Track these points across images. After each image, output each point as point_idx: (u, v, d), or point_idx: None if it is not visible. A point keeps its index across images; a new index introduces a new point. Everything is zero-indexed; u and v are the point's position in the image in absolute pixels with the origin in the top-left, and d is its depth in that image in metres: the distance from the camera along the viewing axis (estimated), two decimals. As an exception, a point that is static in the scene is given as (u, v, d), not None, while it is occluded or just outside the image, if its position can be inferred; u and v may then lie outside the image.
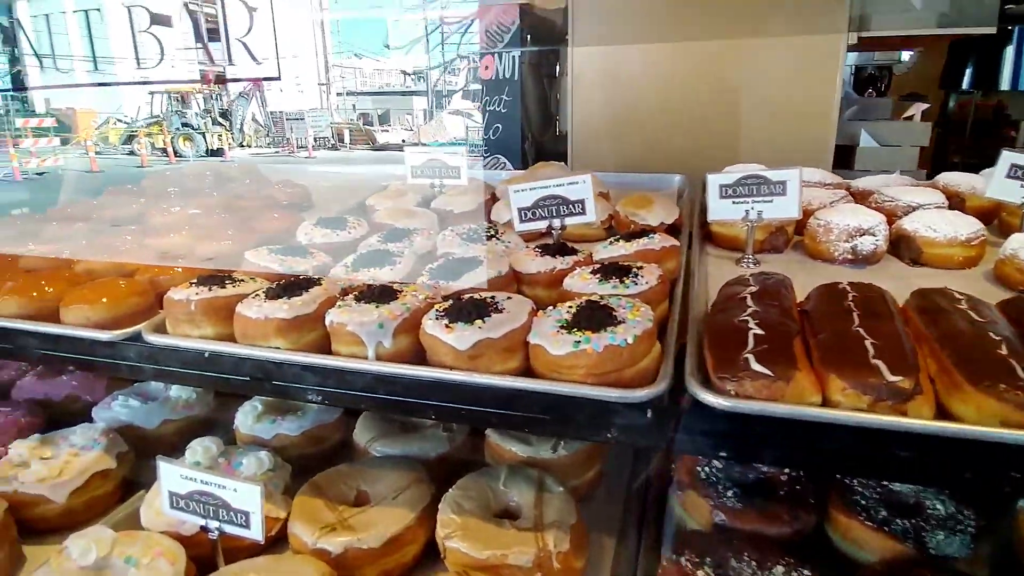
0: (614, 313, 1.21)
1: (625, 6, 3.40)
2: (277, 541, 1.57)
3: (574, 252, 1.61)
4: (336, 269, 1.60)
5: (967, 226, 1.65)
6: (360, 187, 2.56)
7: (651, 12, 3.42)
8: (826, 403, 1.02)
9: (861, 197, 2.11)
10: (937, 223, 1.67)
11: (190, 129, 20.08)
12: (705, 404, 1.05)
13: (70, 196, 2.43)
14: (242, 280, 1.50)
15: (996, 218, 1.93)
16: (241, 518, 1.31)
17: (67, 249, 1.84)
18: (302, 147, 21.51)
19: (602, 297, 1.29)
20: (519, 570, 1.35)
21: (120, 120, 20.33)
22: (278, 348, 1.33)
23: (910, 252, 1.73)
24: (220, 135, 20.72)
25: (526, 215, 1.81)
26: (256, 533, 1.30)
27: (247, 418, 1.89)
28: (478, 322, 1.23)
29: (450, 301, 1.33)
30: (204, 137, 20.21)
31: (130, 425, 1.97)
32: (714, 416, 1.05)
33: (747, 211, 1.71)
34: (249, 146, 22.47)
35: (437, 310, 1.30)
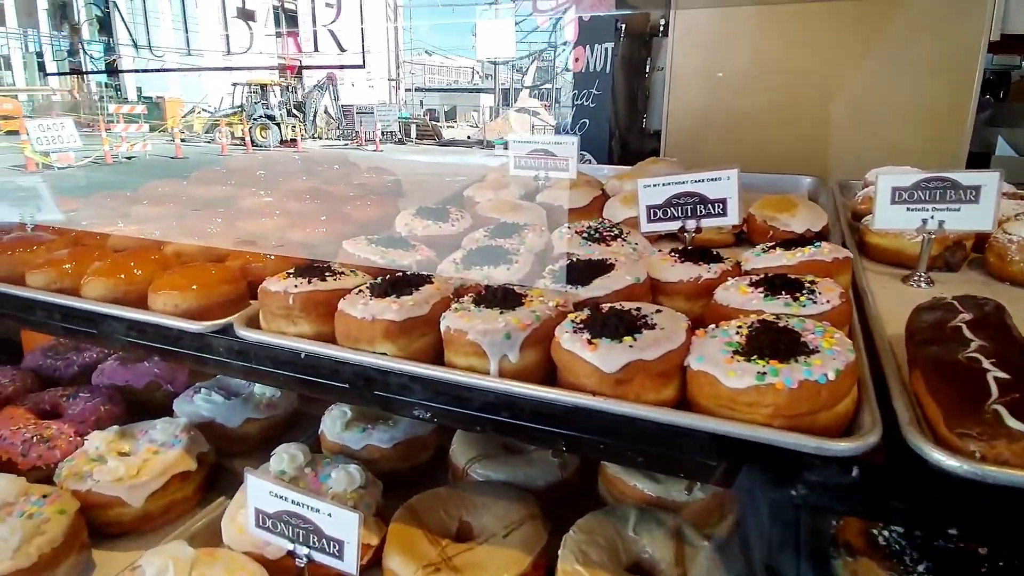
0: (802, 339, 0.97)
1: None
2: (366, 569, 1.39)
3: (720, 259, 1.37)
4: (444, 265, 1.42)
5: None
6: (446, 177, 2.40)
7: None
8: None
9: (1045, 209, 1.78)
10: None
11: (267, 120, 20.68)
12: (935, 466, 0.82)
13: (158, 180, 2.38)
14: (342, 272, 1.34)
15: None
16: (334, 547, 1.14)
17: (156, 230, 1.74)
18: (370, 140, 21.86)
19: (778, 317, 1.05)
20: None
21: (204, 109, 21.22)
22: (384, 354, 1.16)
23: None
24: (294, 126, 21.28)
25: (655, 214, 1.60)
26: (350, 566, 1.13)
27: (335, 424, 1.73)
28: (627, 339, 1.02)
29: (587, 311, 1.12)
30: (279, 128, 20.79)
31: (212, 422, 1.85)
32: (948, 482, 0.82)
33: (925, 220, 1.46)
34: (320, 138, 22.99)
35: (573, 321, 1.09)
